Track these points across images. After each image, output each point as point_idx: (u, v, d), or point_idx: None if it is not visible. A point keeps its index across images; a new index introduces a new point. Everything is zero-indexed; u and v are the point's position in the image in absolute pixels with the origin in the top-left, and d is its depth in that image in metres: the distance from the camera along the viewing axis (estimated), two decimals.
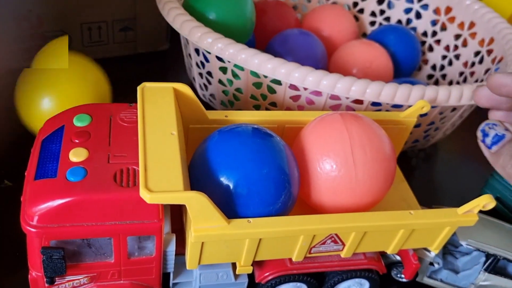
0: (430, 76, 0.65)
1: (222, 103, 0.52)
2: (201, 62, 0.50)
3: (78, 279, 0.31)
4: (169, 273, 0.34)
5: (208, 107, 0.53)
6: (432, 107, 0.46)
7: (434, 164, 0.57)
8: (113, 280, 0.32)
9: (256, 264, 0.36)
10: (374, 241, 0.34)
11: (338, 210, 0.34)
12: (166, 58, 0.64)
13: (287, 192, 0.31)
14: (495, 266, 0.39)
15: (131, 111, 0.34)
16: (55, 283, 0.30)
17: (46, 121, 0.34)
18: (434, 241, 0.36)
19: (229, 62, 0.45)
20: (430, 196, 0.52)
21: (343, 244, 0.34)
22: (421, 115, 0.43)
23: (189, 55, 0.52)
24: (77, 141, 0.31)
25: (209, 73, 0.50)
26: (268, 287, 0.35)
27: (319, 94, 0.45)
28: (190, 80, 0.58)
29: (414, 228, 0.34)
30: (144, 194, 0.26)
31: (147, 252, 0.31)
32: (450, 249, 0.42)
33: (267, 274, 0.35)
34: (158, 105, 0.33)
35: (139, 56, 0.63)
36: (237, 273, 0.34)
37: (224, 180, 0.30)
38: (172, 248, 0.32)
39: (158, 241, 0.30)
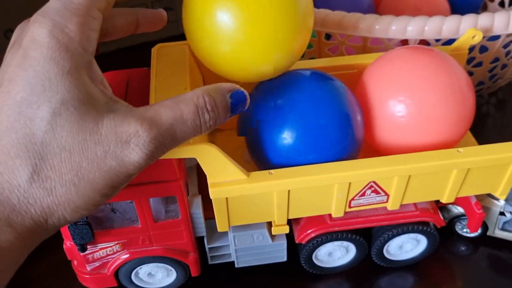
0: None
1: None
2: None
3: (111, 246, 0.31)
4: (203, 238, 0.33)
5: None
6: (492, 39, 0.40)
7: (509, 110, 0.50)
8: (145, 246, 0.31)
9: (295, 224, 0.33)
10: (423, 188, 0.31)
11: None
12: None
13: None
14: None
15: (148, 75, 0.33)
16: (89, 251, 0.30)
17: None
18: (498, 184, 0.31)
19: None
20: None
21: (387, 195, 0.31)
22: (471, 52, 0.37)
23: None
24: None
25: None
26: (309, 247, 0.33)
27: (358, 40, 0.41)
28: None
29: (467, 168, 0.29)
30: None
31: (173, 214, 0.30)
32: None
33: (307, 233, 0.32)
34: (171, 64, 0.32)
35: (183, 36, 0.63)
36: (272, 233, 0.32)
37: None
38: (197, 210, 0.30)
39: (181, 202, 0.29)
